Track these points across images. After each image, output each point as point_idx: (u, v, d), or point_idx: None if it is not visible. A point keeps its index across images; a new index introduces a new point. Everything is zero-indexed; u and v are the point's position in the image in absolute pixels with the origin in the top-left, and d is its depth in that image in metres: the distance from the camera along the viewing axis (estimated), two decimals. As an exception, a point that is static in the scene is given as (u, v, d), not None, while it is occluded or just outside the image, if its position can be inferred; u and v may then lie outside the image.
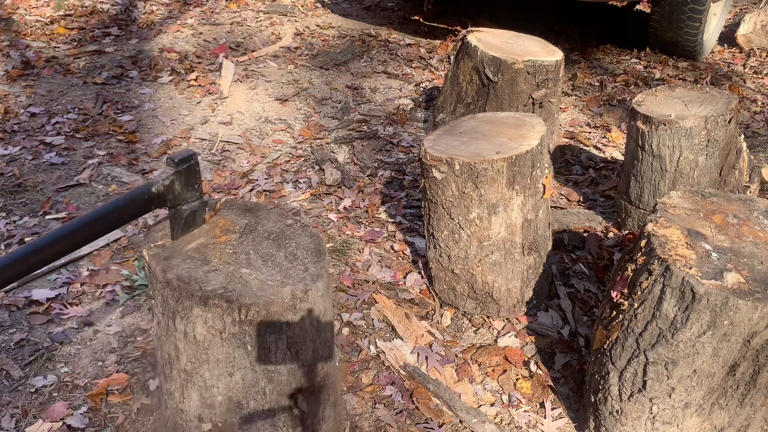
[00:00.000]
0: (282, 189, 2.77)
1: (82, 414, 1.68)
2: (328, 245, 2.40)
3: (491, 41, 2.90)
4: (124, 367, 1.84)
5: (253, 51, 4.22)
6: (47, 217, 2.46)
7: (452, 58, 3.07)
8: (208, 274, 1.30)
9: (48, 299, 2.06)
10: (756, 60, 4.57)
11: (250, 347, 1.29)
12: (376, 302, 2.13)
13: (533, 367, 1.92)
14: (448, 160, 1.87)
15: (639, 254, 1.52)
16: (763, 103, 3.84)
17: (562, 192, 2.87)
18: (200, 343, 1.30)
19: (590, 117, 3.63)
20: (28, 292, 2.09)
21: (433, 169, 1.91)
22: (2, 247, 2.29)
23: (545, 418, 1.78)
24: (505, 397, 1.84)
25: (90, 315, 2.03)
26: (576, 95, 3.91)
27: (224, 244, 1.40)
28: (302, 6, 5.23)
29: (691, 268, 1.39)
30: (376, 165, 3.01)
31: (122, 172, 2.79)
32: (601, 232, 2.56)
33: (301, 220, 1.51)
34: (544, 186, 1.98)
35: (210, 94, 3.57)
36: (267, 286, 1.29)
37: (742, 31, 4.72)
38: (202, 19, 4.74)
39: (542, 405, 1.82)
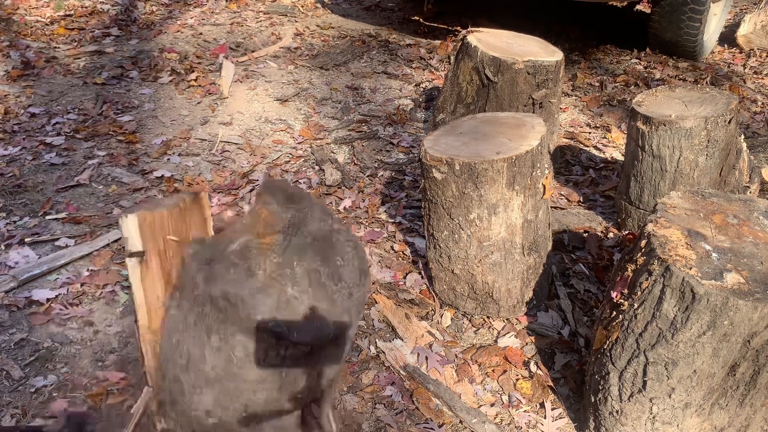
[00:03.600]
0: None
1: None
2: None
3: (491, 41, 2.90)
4: (124, 367, 1.84)
5: (253, 51, 4.22)
6: (47, 217, 2.46)
7: (452, 58, 3.07)
8: (255, 294, 1.22)
9: (48, 299, 2.06)
10: (756, 60, 4.57)
11: (284, 376, 1.27)
12: (376, 302, 2.13)
13: (533, 368, 1.92)
14: (448, 160, 1.87)
15: (639, 254, 1.52)
16: (763, 103, 3.84)
17: (562, 192, 2.87)
18: (233, 363, 1.25)
19: (590, 117, 3.63)
20: (28, 292, 2.09)
21: (433, 170, 1.91)
22: (2, 247, 2.29)
23: (545, 418, 1.78)
24: (505, 398, 1.84)
25: (90, 315, 2.03)
26: (576, 95, 3.91)
27: (269, 249, 1.33)
28: (302, 6, 5.23)
29: (691, 269, 1.39)
30: (376, 165, 3.01)
31: (122, 173, 2.79)
32: (601, 232, 2.56)
33: (346, 227, 1.42)
34: (544, 186, 1.98)
35: (210, 94, 3.57)
36: (315, 318, 1.24)
37: (742, 31, 4.72)
38: (202, 19, 4.74)
39: (542, 405, 1.82)
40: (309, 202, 1.42)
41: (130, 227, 1.32)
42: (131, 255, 1.34)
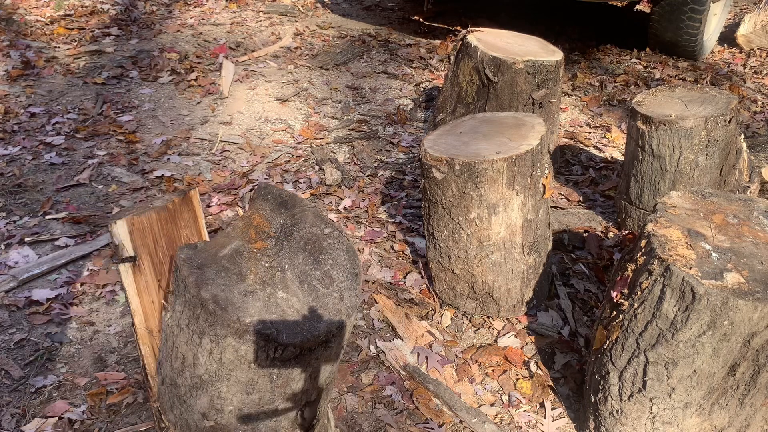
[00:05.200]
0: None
1: (81, 412, 1.68)
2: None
3: (491, 41, 2.90)
4: (124, 367, 1.84)
5: (253, 51, 4.22)
6: (47, 217, 2.46)
7: (452, 58, 3.07)
8: (245, 297, 1.24)
9: (48, 299, 2.06)
10: (756, 60, 4.57)
11: (275, 377, 1.27)
12: (376, 302, 2.13)
13: (533, 367, 1.92)
14: (448, 160, 1.87)
15: (639, 254, 1.52)
16: (763, 103, 3.84)
17: (562, 192, 2.87)
18: (225, 365, 1.26)
19: (590, 117, 3.63)
20: (28, 292, 2.09)
21: (433, 169, 1.91)
22: (2, 247, 2.29)
23: (545, 418, 1.78)
24: (505, 397, 1.84)
25: (90, 315, 2.03)
26: (576, 95, 3.91)
27: (260, 254, 1.34)
28: (302, 6, 5.23)
29: (691, 268, 1.39)
30: (376, 165, 3.01)
31: (122, 172, 2.79)
32: (601, 232, 2.56)
33: (338, 229, 1.42)
34: (544, 186, 1.98)
35: (210, 94, 3.57)
36: (304, 320, 1.24)
37: (742, 31, 4.72)
38: (202, 19, 4.74)
39: (542, 405, 1.82)
40: (302, 206, 1.43)
41: (121, 232, 1.33)
42: (123, 260, 1.35)
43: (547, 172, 1.99)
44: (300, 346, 1.21)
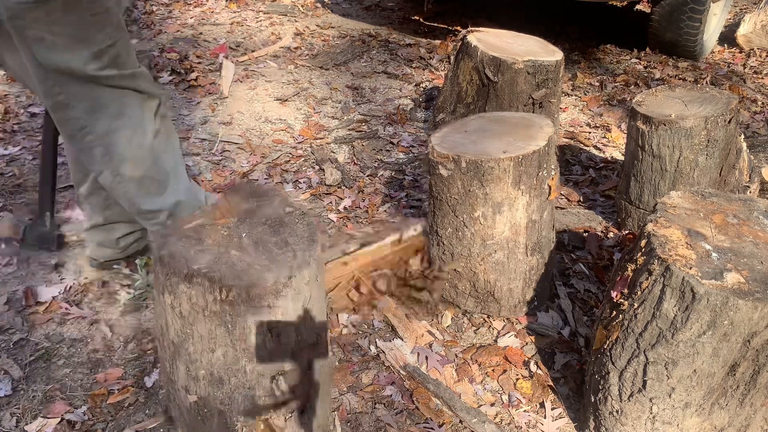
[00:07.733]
0: (282, 189, 2.77)
1: (82, 413, 1.68)
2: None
3: (491, 41, 2.90)
4: (124, 367, 1.84)
5: (253, 51, 4.22)
6: (47, 216, 2.45)
7: (452, 58, 3.08)
8: (198, 253, 1.34)
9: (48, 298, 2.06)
10: (756, 60, 4.57)
11: (230, 326, 1.33)
12: (377, 302, 2.13)
13: (533, 367, 1.92)
14: (455, 157, 1.87)
15: (639, 254, 1.52)
16: (763, 103, 3.84)
17: (562, 192, 2.87)
18: (185, 318, 1.34)
19: (590, 117, 3.63)
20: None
21: (440, 166, 1.91)
22: (2, 246, 2.28)
23: (545, 418, 1.78)
24: (505, 397, 1.84)
25: (91, 314, 2.03)
26: (576, 95, 3.91)
27: (221, 227, 1.45)
28: (302, 6, 5.23)
29: (691, 268, 1.39)
30: (376, 165, 3.01)
31: (122, 172, 2.79)
32: (601, 232, 2.56)
33: (301, 208, 1.51)
34: (550, 187, 1.98)
35: (210, 94, 3.57)
36: (252, 269, 1.32)
37: (742, 31, 4.72)
38: (202, 19, 4.74)
39: (542, 405, 1.82)
40: (271, 195, 1.55)
41: None
42: None
43: (553, 173, 1.98)
44: (246, 289, 1.28)
